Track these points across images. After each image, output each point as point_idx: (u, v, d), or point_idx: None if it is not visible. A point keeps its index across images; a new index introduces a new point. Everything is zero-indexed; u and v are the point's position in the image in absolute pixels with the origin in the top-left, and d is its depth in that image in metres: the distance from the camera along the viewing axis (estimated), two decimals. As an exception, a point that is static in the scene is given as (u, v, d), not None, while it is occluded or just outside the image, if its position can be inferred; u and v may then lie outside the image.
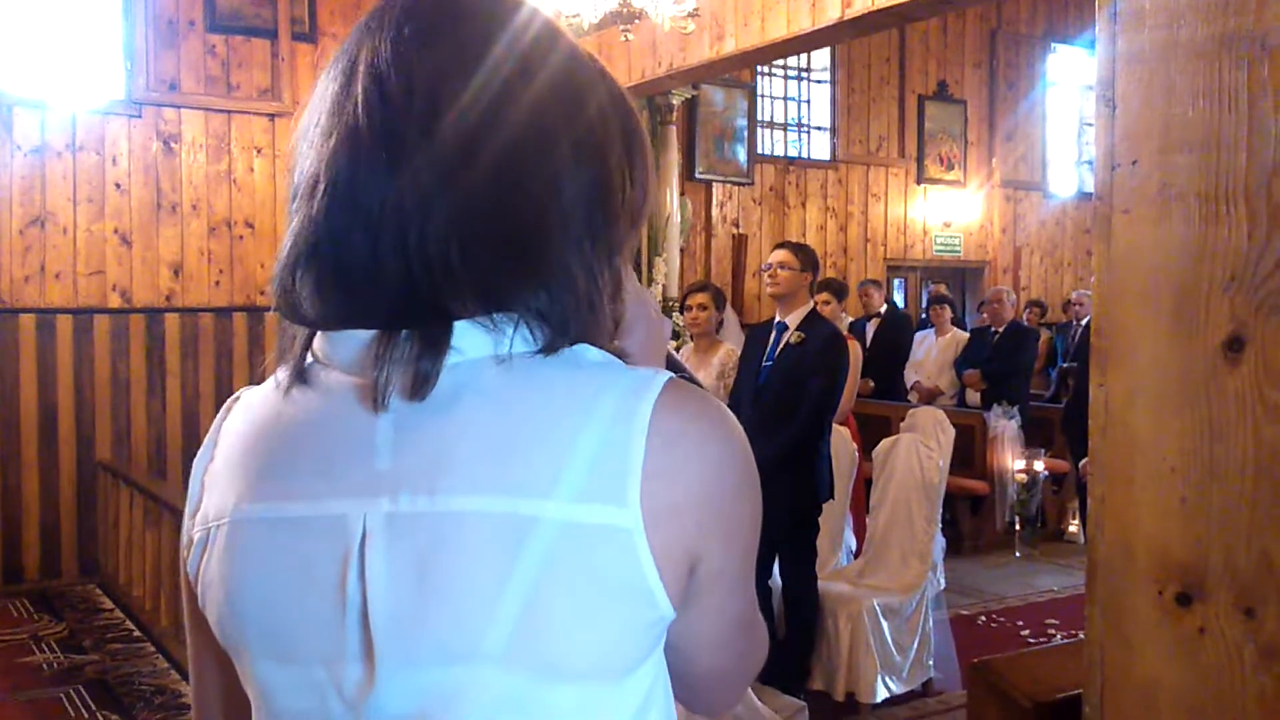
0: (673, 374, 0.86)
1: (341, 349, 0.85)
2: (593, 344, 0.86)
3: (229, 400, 0.97)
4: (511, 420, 0.81)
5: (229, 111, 7.68)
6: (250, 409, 0.92)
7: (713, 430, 0.84)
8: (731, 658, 0.95)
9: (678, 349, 6.83)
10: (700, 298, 5.49)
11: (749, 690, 4.23)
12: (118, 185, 7.35)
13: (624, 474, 0.79)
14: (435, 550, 0.79)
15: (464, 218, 0.81)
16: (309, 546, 0.83)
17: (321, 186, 0.84)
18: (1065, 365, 9.60)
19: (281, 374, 0.89)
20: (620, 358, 0.88)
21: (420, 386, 0.81)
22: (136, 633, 6.00)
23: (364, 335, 0.83)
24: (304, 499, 0.84)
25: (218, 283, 7.67)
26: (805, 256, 4.92)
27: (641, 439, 0.80)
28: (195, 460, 0.95)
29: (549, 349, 0.83)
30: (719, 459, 0.84)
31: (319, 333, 0.87)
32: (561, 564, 0.78)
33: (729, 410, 0.87)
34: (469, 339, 0.82)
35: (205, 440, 0.95)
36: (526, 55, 0.86)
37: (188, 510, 0.94)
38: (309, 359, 0.88)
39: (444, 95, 0.83)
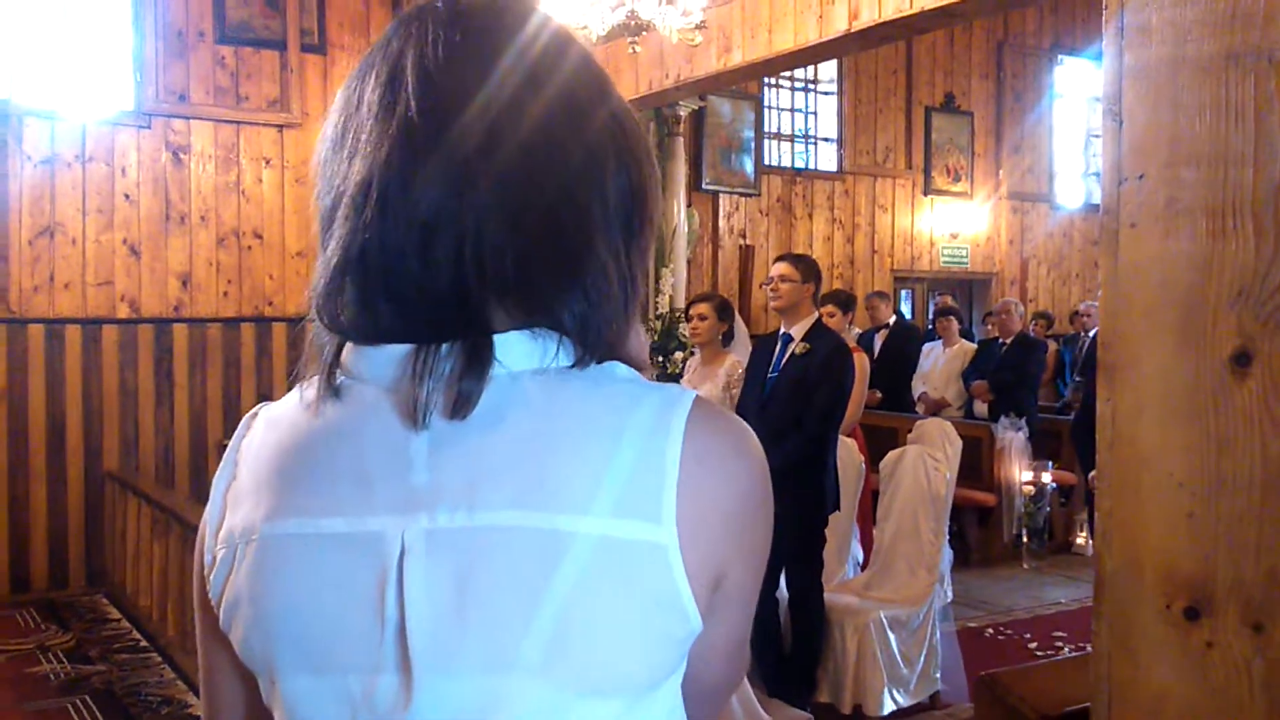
0: (697, 392, 0.87)
1: (375, 364, 0.85)
2: (620, 355, 0.88)
3: (247, 417, 0.96)
4: (548, 436, 0.82)
5: (238, 122, 7.71)
6: (275, 424, 0.91)
7: (742, 447, 0.86)
8: (731, 672, 0.96)
9: (684, 360, 6.83)
10: (701, 308, 5.46)
11: (753, 699, 4.22)
12: (127, 196, 7.38)
13: (659, 490, 0.80)
14: (474, 565, 0.80)
15: (520, 226, 0.82)
16: (346, 561, 0.83)
17: (375, 195, 0.83)
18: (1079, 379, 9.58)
19: (308, 389, 0.89)
20: (638, 369, 0.89)
21: (462, 407, 0.81)
22: (143, 643, 6.00)
23: (399, 350, 0.83)
24: (339, 514, 0.84)
25: (226, 293, 7.69)
26: (806, 268, 4.92)
27: (676, 456, 0.81)
28: (215, 478, 0.94)
29: (581, 363, 0.84)
30: (747, 476, 0.85)
31: (348, 348, 0.87)
32: (598, 578, 0.79)
33: (750, 428, 0.89)
34: (513, 351, 0.83)
35: (225, 458, 0.94)
36: (565, 63, 0.89)
37: (208, 530, 0.93)
38: (338, 375, 0.87)
39: (504, 107, 0.84)
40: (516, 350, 0.83)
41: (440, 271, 0.82)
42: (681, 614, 0.82)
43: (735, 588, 0.86)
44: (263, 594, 0.86)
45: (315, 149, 0.91)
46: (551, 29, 0.90)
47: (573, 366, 0.84)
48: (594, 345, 0.85)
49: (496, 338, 0.83)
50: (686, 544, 0.81)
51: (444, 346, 0.82)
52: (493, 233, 0.82)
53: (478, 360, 0.81)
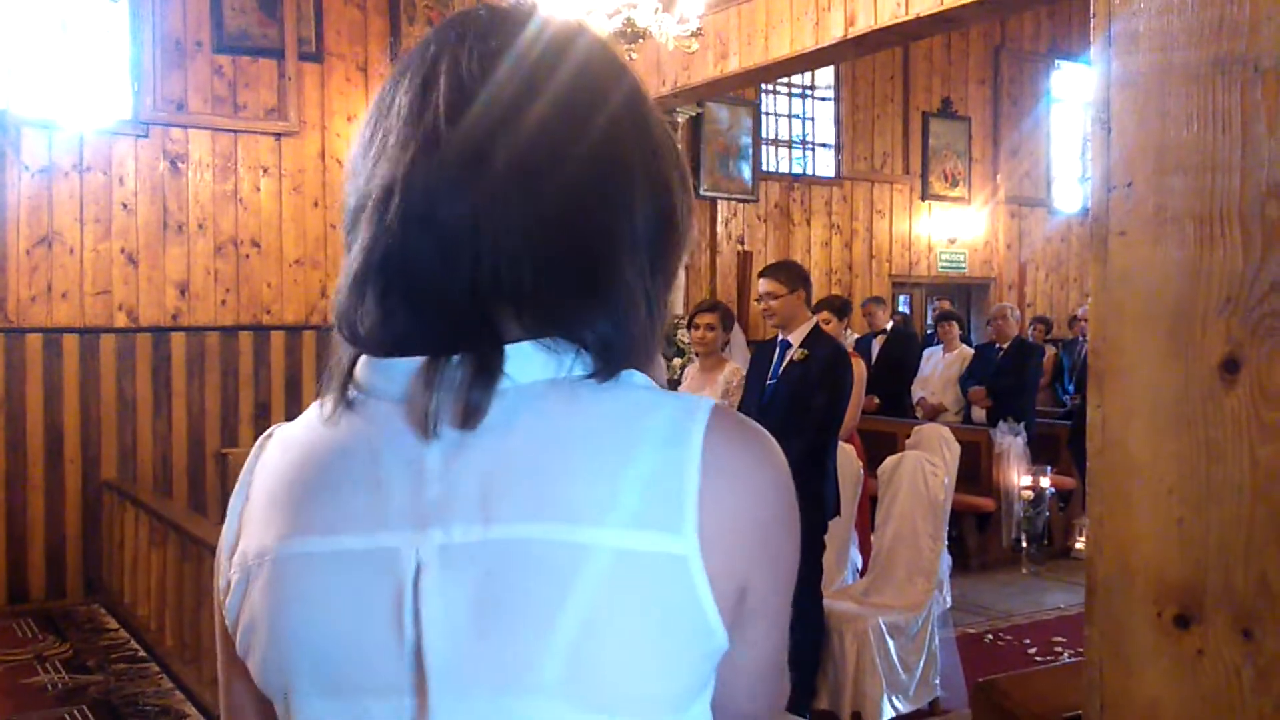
0: (715, 400, 0.85)
1: (388, 378, 0.83)
2: (643, 371, 0.86)
3: (261, 439, 0.94)
4: (563, 446, 0.80)
5: (235, 131, 7.71)
6: (288, 444, 0.90)
7: (764, 457, 0.84)
8: (766, 699, 0.91)
9: (682, 367, 6.83)
10: (709, 318, 5.48)
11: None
12: (124, 205, 7.39)
13: (679, 500, 0.78)
14: (490, 581, 0.78)
15: (540, 238, 0.81)
16: (360, 580, 0.81)
17: (397, 198, 0.82)
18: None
19: (325, 404, 0.87)
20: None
21: (471, 416, 0.79)
22: (141, 653, 5.99)
23: (412, 363, 0.82)
24: (353, 532, 0.82)
25: (224, 302, 7.69)
26: (790, 276, 4.88)
27: (696, 464, 0.79)
28: (230, 502, 0.92)
29: (600, 375, 0.82)
30: (771, 486, 0.84)
31: (362, 363, 0.86)
32: (617, 593, 0.77)
33: (773, 437, 0.86)
34: (523, 362, 0.81)
35: (239, 481, 0.93)
36: (607, 84, 0.88)
37: (223, 553, 0.91)
38: (351, 390, 0.86)
39: (531, 114, 0.82)
40: (529, 361, 0.81)
41: (457, 279, 0.80)
42: (705, 628, 0.79)
43: (760, 602, 0.84)
44: (278, 615, 0.84)
45: (349, 151, 0.90)
46: (591, 45, 0.89)
47: (589, 377, 0.82)
48: (614, 360, 0.83)
49: (508, 348, 0.81)
50: (708, 555, 0.78)
51: (454, 358, 0.80)
52: (512, 244, 0.80)
53: (486, 370, 0.80)
